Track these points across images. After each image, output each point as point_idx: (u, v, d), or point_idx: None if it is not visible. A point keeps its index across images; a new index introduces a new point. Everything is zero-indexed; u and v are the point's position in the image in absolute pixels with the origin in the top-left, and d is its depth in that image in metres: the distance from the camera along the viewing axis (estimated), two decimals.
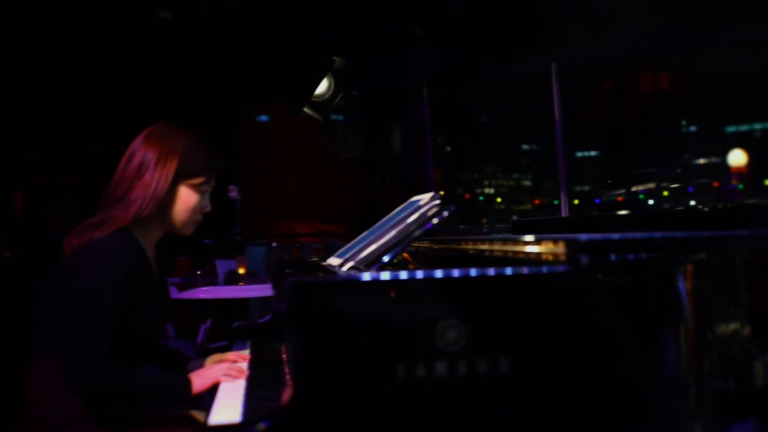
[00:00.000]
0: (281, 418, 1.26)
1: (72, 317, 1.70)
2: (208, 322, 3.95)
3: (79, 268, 1.75)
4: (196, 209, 1.91)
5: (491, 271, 1.36)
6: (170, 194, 1.86)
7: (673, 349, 1.38)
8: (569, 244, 1.41)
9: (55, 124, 7.05)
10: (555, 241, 1.49)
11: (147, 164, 1.84)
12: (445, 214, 1.77)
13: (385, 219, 2.27)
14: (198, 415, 2.03)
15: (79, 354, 1.67)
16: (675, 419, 1.37)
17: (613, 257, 1.37)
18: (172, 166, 1.84)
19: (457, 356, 1.32)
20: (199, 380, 1.81)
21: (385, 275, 1.33)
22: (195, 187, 1.89)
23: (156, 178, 1.83)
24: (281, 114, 7.26)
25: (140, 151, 1.87)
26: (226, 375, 1.84)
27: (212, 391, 1.82)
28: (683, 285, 1.38)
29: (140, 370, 1.79)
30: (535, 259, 1.56)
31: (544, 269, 1.37)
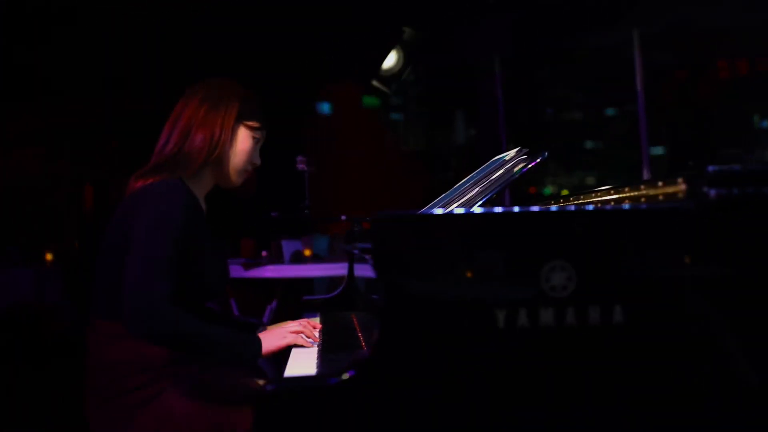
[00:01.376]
0: (366, 366, 1.12)
1: (133, 254, 1.59)
2: (274, 303, 3.86)
3: (140, 209, 1.66)
4: (250, 154, 1.90)
5: (593, 208, 1.19)
6: (231, 136, 1.86)
7: None
8: (691, 176, 1.23)
9: (124, 118, 7.13)
10: (670, 180, 1.31)
11: (210, 107, 1.83)
12: (539, 159, 1.61)
13: (464, 180, 2.11)
14: (262, 384, 1.92)
15: (140, 291, 1.54)
16: None
17: (749, 191, 1.18)
18: (234, 108, 1.84)
19: (564, 303, 1.15)
20: (269, 340, 1.70)
21: (478, 210, 1.18)
22: (251, 130, 1.88)
23: (220, 119, 1.82)
24: (343, 106, 7.17)
25: (197, 98, 1.85)
26: (298, 338, 1.73)
27: (277, 361, 1.72)
28: None
29: (208, 323, 1.68)
30: (649, 200, 1.38)
31: (669, 205, 1.20)
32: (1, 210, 7.39)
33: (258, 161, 1.95)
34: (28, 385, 4.60)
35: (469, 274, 1.15)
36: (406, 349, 1.12)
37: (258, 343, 1.67)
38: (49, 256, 5.75)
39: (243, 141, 1.87)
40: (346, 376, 1.10)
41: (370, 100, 7.22)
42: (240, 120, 1.86)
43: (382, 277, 1.14)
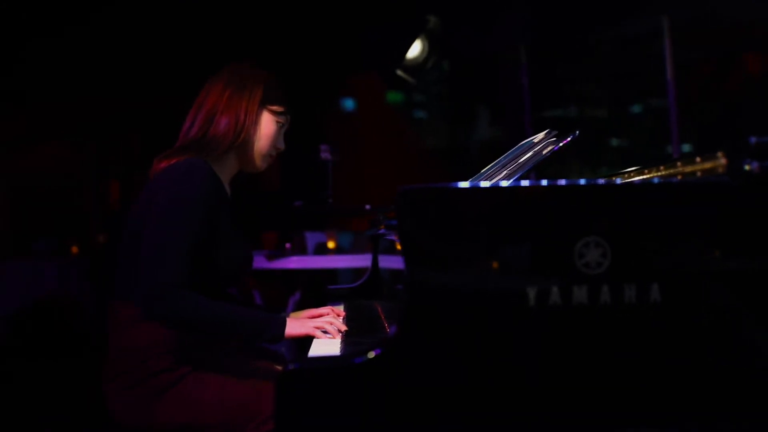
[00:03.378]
0: (394, 344, 1.08)
1: (150, 235, 1.58)
2: (297, 295, 3.83)
3: (161, 188, 1.65)
4: (274, 139, 1.87)
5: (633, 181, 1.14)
6: (255, 120, 1.84)
7: None
8: (733, 149, 1.17)
9: (149, 115, 7.16)
10: (709, 155, 1.25)
11: (234, 92, 1.82)
12: (569, 138, 1.55)
13: (493, 163, 2.06)
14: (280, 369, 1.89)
15: (153, 273, 1.53)
16: None
17: None
18: (258, 92, 1.83)
19: (598, 281, 1.10)
20: (295, 323, 1.65)
21: (506, 183, 1.14)
22: (275, 115, 1.86)
23: (245, 104, 1.81)
24: (366, 101, 7.14)
25: (221, 83, 1.84)
26: (318, 333, 1.69)
27: (300, 348, 1.68)
28: None
29: (229, 303, 1.65)
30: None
31: (707, 180, 1.15)
32: (29, 205, 7.49)
33: (282, 146, 1.92)
34: (52, 376, 4.63)
35: (498, 249, 1.11)
36: (432, 325, 1.08)
37: (282, 322, 1.63)
38: (74, 249, 5.80)
39: (267, 125, 1.85)
40: (372, 354, 1.06)
41: (393, 96, 7.17)
42: (264, 104, 1.84)
43: (408, 251, 1.10)
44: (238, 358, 1.90)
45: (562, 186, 1.12)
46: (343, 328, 1.73)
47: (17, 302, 5.50)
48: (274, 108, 1.86)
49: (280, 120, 1.88)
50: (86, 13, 5.29)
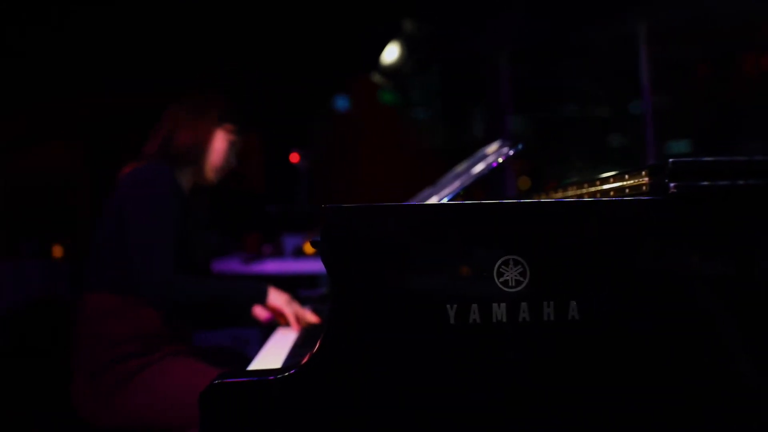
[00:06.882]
0: (309, 364, 1.10)
1: (137, 235, 1.77)
2: None
3: (134, 190, 1.83)
4: (226, 155, 2.08)
5: (552, 200, 1.16)
6: (210, 137, 2.05)
7: None
8: (654, 169, 1.19)
9: (148, 115, 7.17)
10: (636, 173, 1.27)
11: (191, 111, 2.03)
12: (511, 152, 1.57)
13: (448, 174, 2.10)
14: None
15: (153, 265, 1.73)
16: None
17: (706, 183, 1.14)
18: (214, 111, 2.05)
19: (517, 299, 1.13)
20: (275, 294, 1.92)
21: (432, 200, 1.16)
22: (228, 133, 2.07)
23: (202, 122, 2.02)
24: (360, 102, 7.14)
25: (181, 105, 2.05)
26: (293, 312, 1.90)
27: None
28: None
29: (215, 278, 1.95)
30: (614, 194, 1.35)
31: (622, 199, 1.16)
32: (26, 205, 7.51)
33: (234, 162, 2.12)
34: (46, 376, 4.65)
35: (420, 267, 1.13)
36: (351, 345, 1.10)
37: (265, 289, 1.89)
38: (58, 252, 5.82)
39: (220, 141, 2.05)
40: (287, 373, 1.08)
41: (387, 96, 7.17)
42: (219, 122, 2.05)
43: (329, 270, 1.12)
44: (204, 355, 1.96)
45: (482, 205, 1.14)
46: (310, 320, 1.92)
47: (5, 303, 5.53)
48: (228, 126, 2.07)
49: (231, 138, 2.08)
50: (86, 12, 5.32)
